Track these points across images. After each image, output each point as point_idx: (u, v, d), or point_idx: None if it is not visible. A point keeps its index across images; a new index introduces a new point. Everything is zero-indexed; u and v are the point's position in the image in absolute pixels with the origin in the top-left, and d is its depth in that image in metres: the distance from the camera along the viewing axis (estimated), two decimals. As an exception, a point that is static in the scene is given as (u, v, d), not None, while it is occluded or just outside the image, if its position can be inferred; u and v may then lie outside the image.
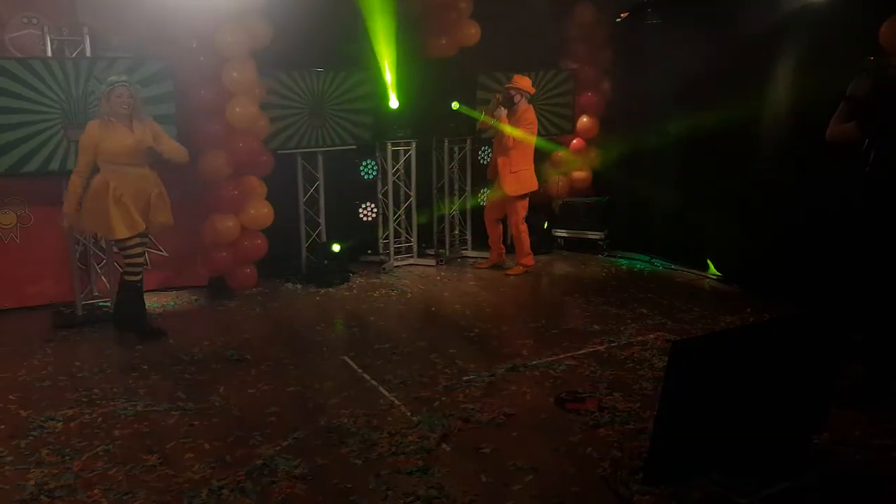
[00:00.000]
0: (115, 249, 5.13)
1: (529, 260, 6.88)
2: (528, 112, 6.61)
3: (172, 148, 4.98)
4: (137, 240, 4.93)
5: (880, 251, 3.77)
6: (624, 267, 7.14)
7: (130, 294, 5.07)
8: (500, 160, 6.61)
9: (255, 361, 4.62)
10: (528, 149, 6.68)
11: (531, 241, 6.91)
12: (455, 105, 6.90)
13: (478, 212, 7.45)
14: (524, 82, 6.61)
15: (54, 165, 5.24)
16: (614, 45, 7.79)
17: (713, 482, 2.98)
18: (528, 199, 6.80)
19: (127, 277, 5.03)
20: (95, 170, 4.82)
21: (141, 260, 5.03)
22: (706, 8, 6.27)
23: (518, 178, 6.64)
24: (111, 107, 4.74)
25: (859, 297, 3.88)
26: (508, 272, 6.85)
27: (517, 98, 6.58)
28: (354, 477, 3.16)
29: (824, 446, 3.35)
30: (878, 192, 3.75)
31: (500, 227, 7.06)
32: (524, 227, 6.80)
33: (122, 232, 4.81)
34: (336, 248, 6.62)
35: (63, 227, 4.98)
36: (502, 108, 6.57)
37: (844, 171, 3.96)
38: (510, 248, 7.25)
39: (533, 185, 6.75)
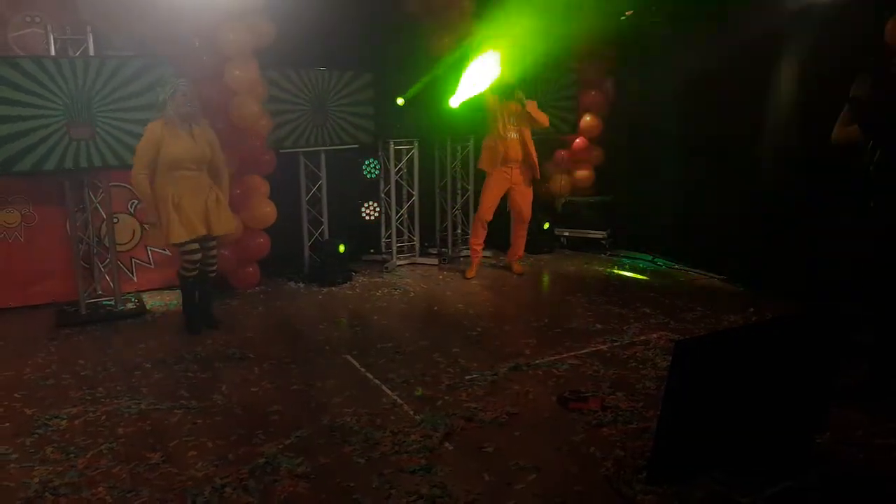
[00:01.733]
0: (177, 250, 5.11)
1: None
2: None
3: (220, 161, 5.04)
4: (196, 245, 4.93)
5: (884, 251, 3.76)
6: (626, 266, 7.14)
7: (183, 287, 5.16)
8: (532, 147, 6.49)
9: (258, 360, 4.63)
10: None
11: (525, 241, 6.93)
12: (456, 104, 6.88)
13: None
14: None
15: (58, 164, 5.24)
16: (617, 43, 7.77)
17: (716, 481, 2.99)
18: None
19: (182, 272, 5.07)
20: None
21: (198, 257, 4.98)
22: (710, 7, 6.26)
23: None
24: (177, 108, 4.75)
25: (864, 298, 3.88)
26: (521, 271, 6.80)
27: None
28: (357, 476, 3.17)
29: (826, 446, 3.35)
30: (882, 192, 3.74)
31: None
32: None
33: (180, 235, 4.80)
34: (342, 248, 6.62)
35: (160, 237, 4.92)
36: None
37: (848, 170, 3.96)
38: (503, 246, 7.21)
39: None
